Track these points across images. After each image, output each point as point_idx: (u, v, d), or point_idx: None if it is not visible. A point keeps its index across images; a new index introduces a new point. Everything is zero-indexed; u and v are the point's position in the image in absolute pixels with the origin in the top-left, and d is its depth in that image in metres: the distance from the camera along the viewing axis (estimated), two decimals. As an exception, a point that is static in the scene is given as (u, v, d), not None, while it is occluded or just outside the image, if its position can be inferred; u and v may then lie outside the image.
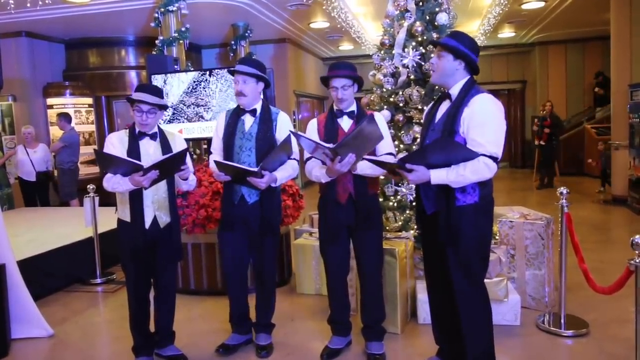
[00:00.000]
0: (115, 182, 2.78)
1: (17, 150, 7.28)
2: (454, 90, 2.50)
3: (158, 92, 2.95)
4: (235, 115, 3.14)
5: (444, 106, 2.55)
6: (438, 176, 2.37)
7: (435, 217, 2.52)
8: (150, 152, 2.94)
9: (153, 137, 2.97)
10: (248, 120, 3.11)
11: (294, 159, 3.09)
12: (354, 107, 3.01)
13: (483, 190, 2.46)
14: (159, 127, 3.03)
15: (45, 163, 7.31)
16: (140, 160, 2.83)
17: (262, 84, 3.11)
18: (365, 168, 2.85)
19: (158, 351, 3.19)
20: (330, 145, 2.64)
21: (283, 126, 3.11)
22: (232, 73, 3.09)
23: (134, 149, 2.90)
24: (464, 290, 2.50)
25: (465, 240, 2.44)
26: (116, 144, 2.93)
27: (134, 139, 2.93)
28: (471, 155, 2.32)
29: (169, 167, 2.76)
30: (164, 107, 2.98)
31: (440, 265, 2.57)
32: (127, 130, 2.99)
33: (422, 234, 2.82)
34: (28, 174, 7.23)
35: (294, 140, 2.96)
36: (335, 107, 3.01)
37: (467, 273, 2.48)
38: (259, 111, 3.12)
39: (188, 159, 3.09)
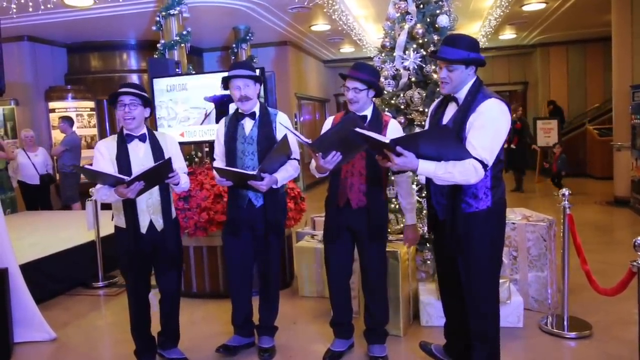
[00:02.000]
0: (103, 194, 2.78)
1: (16, 154, 7.22)
2: (461, 94, 2.44)
3: (140, 87, 2.93)
4: (234, 120, 3.12)
5: (451, 109, 2.51)
6: (425, 167, 2.26)
7: (448, 223, 2.50)
8: (140, 155, 2.89)
9: (142, 138, 2.91)
10: (248, 124, 3.10)
11: (295, 158, 3.09)
12: (367, 112, 2.92)
13: (496, 195, 2.44)
14: (148, 128, 2.98)
15: (46, 166, 7.33)
16: (130, 164, 2.81)
17: (259, 86, 3.11)
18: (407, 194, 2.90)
19: (162, 352, 3.19)
20: (309, 141, 2.64)
21: (281, 126, 3.09)
22: (227, 81, 3.04)
23: (122, 154, 2.85)
24: (474, 295, 2.50)
25: (477, 247, 2.43)
26: (104, 152, 2.88)
27: (123, 142, 2.88)
28: (462, 155, 2.25)
29: (154, 176, 2.71)
30: (148, 103, 2.92)
31: (451, 270, 2.59)
32: (116, 135, 2.93)
33: (435, 239, 2.80)
34: (31, 178, 7.18)
35: (292, 139, 2.96)
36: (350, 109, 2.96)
37: (479, 279, 2.48)
38: (257, 114, 3.11)
39: (181, 160, 3.07)
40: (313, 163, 2.92)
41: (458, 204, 2.41)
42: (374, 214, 2.90)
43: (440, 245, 2.70)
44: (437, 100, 2.74)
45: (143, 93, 2.89)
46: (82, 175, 7.67)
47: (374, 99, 2.98)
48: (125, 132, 2.91)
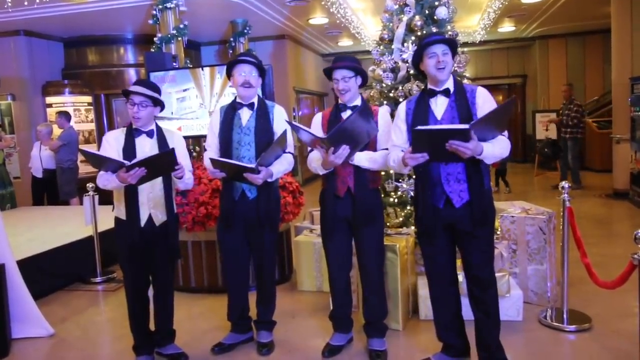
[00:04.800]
0: (105, 179, 2.81)
1: (33, 146, 7.56)
2: (450, 85, 2.60)
3: (153, 87, 2.95)
4: (231, 110, 3.12)
5: (441, 101, 2.58)
6: (488, 149, 2.37)
7: (464, 206, 2.53)
8: (147, 149, 2.91)
9: (149, 134, 2.95)
10: (245, 114, 3.09)
11: (289, 152, 3.08)
12: (358, 102, 2.98)
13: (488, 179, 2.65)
14: (156, 124, 3.01)
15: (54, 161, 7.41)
16: (135, 156, 2.82)
17: (261, 80, 3.12)
18: (362, 160, 2.85)
19: (159, 350, 3.18)
20: (323, 136, 2.64)
21: (280, 118, 3.11)
22: (232, 65, 3.05)
23: (129, 147, 2.90)
24: (489, 275, 2.60)
25: (492, 220, 2.61)
26: (112, 142, 2.93)
27: (130, 136, 2.93)
28: (499, 133, 2.44)
29: (157, 165, 2.73)
30: (159, 103, 2.95)
31: (453, 259, 2.70)
32: (125, 129, 2.98)
33: (433, 230, 2.63)
34: (36, 170, 7.48)
35: (289, 133, 2.96)
36: (340, 101, 3.00)
37: (491, 254, 2.63)
38: (256, 105, 3.10)
39: (187, 158, 3.07)
40: (314, 162, 2.92)
41: (482, 181, 2.53)
42: (368, 199, 2.92)
43: (438, 235, 2.62)
44: (407, 102, 2.73)
45: (154, 94, 2.91)
46: (79, 170, 7.69)
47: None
48: (134, 126, 2.95)
